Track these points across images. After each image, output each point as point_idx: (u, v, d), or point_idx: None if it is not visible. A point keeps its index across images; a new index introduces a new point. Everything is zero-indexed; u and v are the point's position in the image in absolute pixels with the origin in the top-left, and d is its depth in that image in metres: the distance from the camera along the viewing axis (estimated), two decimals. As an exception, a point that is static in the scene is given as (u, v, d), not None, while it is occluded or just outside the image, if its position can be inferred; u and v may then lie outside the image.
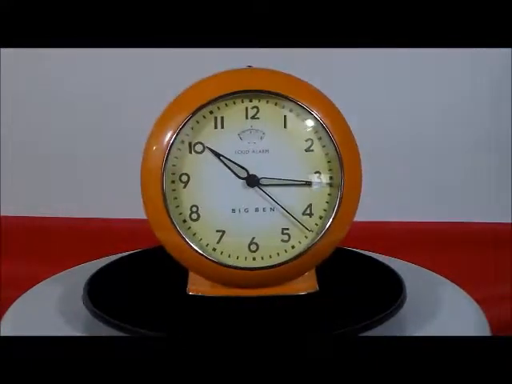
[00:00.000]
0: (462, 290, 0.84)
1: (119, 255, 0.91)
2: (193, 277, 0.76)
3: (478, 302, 0.81)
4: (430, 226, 1.32)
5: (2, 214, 1.32)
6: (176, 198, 0.72)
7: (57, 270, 0.90)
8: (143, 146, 0.74)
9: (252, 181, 0.73)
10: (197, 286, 0.76)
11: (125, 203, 1.27)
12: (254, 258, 0.74)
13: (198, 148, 0.72)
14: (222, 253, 0.74)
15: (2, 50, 1.20)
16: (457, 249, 1.29)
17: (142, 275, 0.84)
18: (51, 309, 0.77)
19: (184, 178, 0.72)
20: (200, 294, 0.76)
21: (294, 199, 0.74)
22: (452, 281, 0.87)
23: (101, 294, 0.76)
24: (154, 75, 1.29)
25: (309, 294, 0.76)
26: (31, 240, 1.31)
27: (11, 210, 1.32)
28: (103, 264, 0.85)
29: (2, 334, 0.72)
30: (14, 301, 0.81)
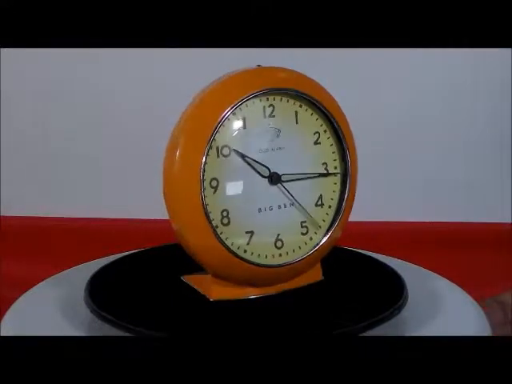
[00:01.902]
0: (462, 290, 0.84)
1: (120, 255, 0.91)
2: (214, 282, 0.75)
3: (478, 301, 0.81)
4: (430, 226, 1.32)
5: (2, 214, 1.32)
6: (208, 205, 0.71)
7: (57, 270, 0.90)
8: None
9: (274, 178, 0.74)
10: (220, 292, 0.75)
11: (125, 203, 1.27)
12: (280, 255, 0.75)
13: (225, 151, 0.72)
14: (252, 253, 0.74)
15: (2, 50, 1.20)
16: (457, 249, 1.30)
17: (143, 275, 0.84)
18: (52, 309, 0.76)
19: (214, 183, 0.71)
20: (224, 298, 0.75)
21: (308, 192, 0.76)
22: (452, 281, 0.86)
23: (102, 293, 0.75)
24: (154, 76, 1.29)
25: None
26: (31, 240, 1.31)
27: (11, 210, 1.32)
28: (103, 264, 0.85)
29: (2, 334, 0.72)
30: (14, 301, 0.81)
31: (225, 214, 0.72)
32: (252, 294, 0.76)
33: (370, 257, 0.89)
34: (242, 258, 0.72)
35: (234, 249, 0.72)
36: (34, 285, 0.85)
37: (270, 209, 0.74)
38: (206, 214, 0.70)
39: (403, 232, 1.31)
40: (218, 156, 0.71)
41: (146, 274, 0.84)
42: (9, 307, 0.79)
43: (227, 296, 0.75)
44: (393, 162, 1.32)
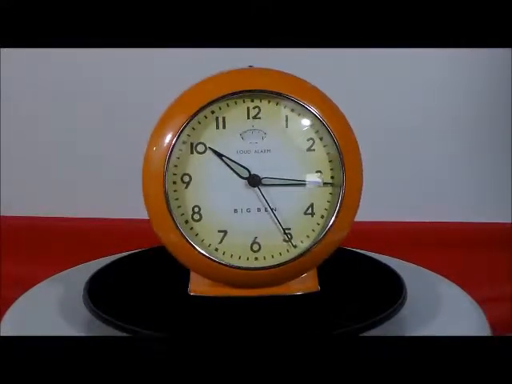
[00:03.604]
0: (462, 290, 0.84)
1: (119, 255, 0.91)
2: (194, 277, 0.76)
3: (477, 302, 0.81)
4: (430, 226, 1.32)
5: (2, 214, 1.32)
6: (177, 199, 0.72)
7: (57, 270, 0.90)
8: (144, 146, 0.74)
9: (254, 181, 0.73)
10: (198, 287, 0.75)
11: (125, 203, 1.27)
12: (256, 258, 0.74)
13: (200, 148, 0.72)
14: (224, 253, 0.73)
15: (2, 50, 1.20)
16: (457, 249, 1.29)
17: (142, 275, 0.84)
18: (51, 309, 0.77)
19: (186, 179, 0.72)
20: (201, 294, 0.75)
21: (296, 199, 0.74)
22: (452, 281, 0.87)
23: (101, 293, 0.76)
24: (154, 75, 1.29)
25: (309, 294, 0.76)
26: (31, 240, 1.31)
27: (11, 210, 1.32)
28: (103, 264, 0.85)
29: (2, 334, 0.72)
30: (14, 301, 0.81)
31: (196, 209, 0.72)
32: (232, 293, 0.75)
33: (369, 257, 0.89)
34: (208, 256, 0.72)
35: (204, 246, 0.73)
36: (34, 285, 0.85)
37: (248, 211, 0.73)
38: (169, 209, 0.71)
39: (403, 232, 1.31)
40: (191, 152, 0.72)
41: (146, 274, 0.84)
42: (9, 307, 0.79)
43: (204, 292, 0.75)
44: (393, 162, 1.32)
